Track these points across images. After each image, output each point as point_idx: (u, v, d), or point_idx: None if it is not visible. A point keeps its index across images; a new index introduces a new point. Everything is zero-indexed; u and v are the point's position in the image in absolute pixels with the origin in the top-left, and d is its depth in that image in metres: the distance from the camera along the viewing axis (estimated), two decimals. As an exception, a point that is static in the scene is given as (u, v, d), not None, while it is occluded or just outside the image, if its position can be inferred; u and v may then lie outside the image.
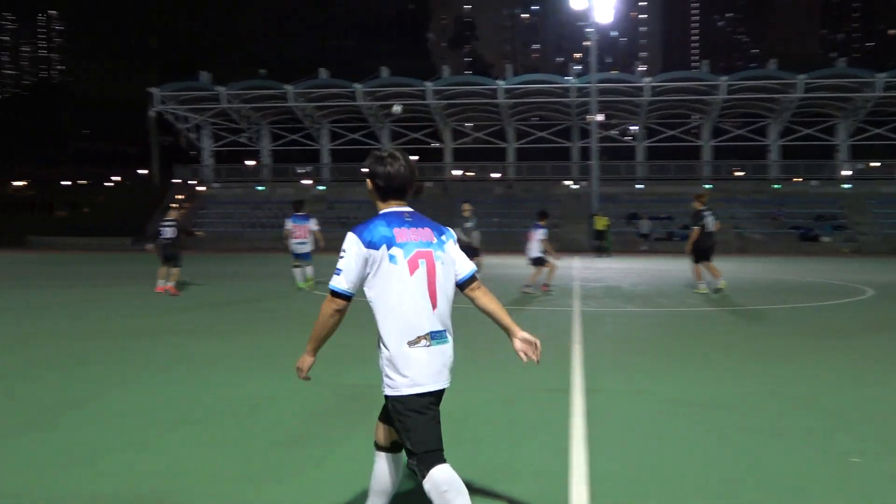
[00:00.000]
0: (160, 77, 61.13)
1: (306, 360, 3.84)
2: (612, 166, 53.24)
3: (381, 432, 3.90)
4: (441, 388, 3.68)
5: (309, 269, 19.24)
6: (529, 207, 50.34)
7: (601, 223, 40.13)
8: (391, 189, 3.85)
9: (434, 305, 3.66)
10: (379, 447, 3.91)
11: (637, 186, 51.65)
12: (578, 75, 54.54)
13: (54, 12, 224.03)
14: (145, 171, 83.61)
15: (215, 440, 5.84)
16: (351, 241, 3.68)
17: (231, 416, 6.54)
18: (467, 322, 12.92)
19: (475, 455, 5.53)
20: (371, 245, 3.64)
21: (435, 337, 3.64)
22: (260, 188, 55.56)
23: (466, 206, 19.37)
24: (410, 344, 3.60)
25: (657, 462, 5.37)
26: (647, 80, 50.91)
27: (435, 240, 3.79)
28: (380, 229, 3.69)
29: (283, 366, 8.54)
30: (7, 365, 8.89)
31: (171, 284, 17.84)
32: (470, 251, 18.55)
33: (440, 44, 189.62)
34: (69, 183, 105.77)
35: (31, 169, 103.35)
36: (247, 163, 61.63)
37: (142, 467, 5.23)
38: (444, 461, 3.59)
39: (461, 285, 3.86)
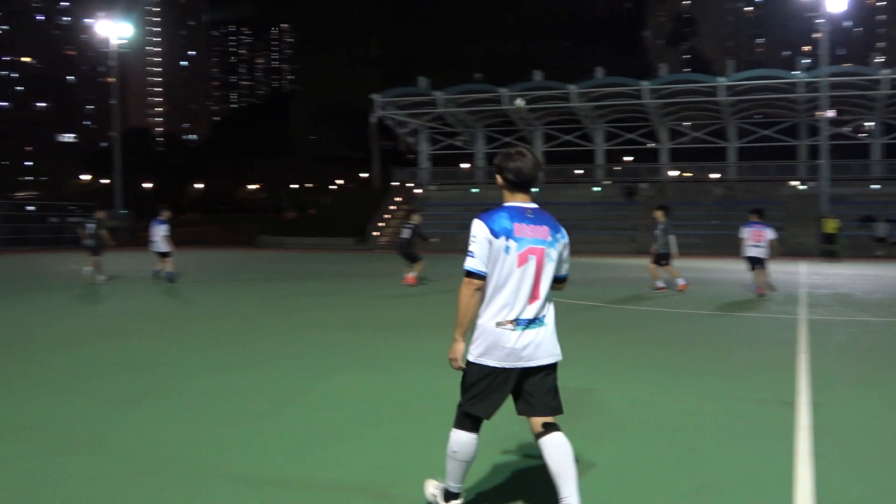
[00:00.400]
0: (381, 84, 63.68)
1: (458, 348, 4.22)
2: (844, 165, 49.83)
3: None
4: (514, 366, 4.13)
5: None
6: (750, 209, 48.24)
7: (831, 226, 37.72)
8: (519, 183, 4.33)
9: (534, 297, 4.14)
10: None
11: (872, 187, 48.10)
12: (807, 69, 51.49)
13: (286, 25, 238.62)
14: (366, 175, 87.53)
15: (432, 435, 5.97)
16: (479, 227, 4.21)
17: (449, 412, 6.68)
18: (682, 327, 12.54)
19: (688, 465, 5.33)
20: (493, 233, 4.15)
21: (521, 324, 4.11)
22: (474, 190, 56.58)
23: (658, 213, 18.98)
24: (499, 324, 4.10)
25: None
26: (886, 72, 47.24)
27: (549, 238, 4.24)
28: (503, 222, 4.19)
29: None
30: (260, 352, 9.56)
31: (412, 275, 20.32)
32: (659, 257, 18.69)
33: (657, 41, 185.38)
34: (297, 186, 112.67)
35: (264, 173, 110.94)
36: (462, 165, 62.96)
37: (356, 458, 5.44)
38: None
39: (556, 280, 4.31)
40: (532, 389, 4.20)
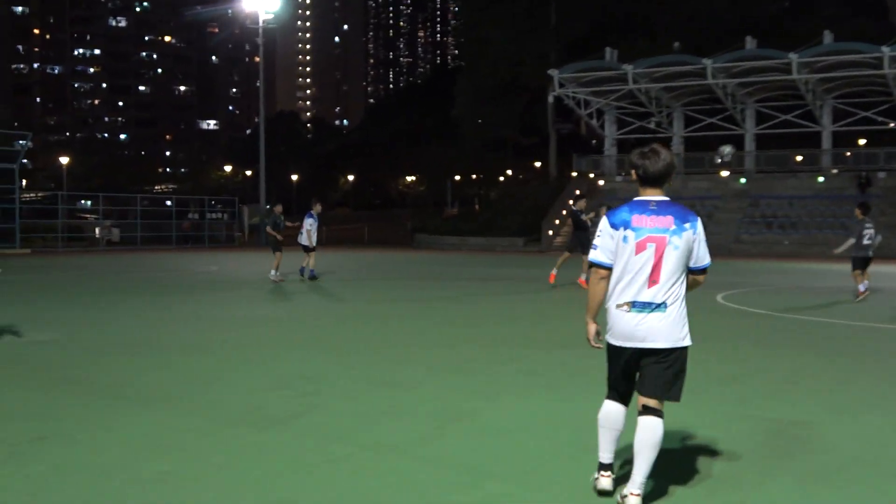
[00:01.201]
0: (560, 57, 63.46)
1: (588, 329, 5.39)
2: None
3: None
4: (631, 346, 5.13)
5: None
6: None
7: None
8: (647, 179, 5.27)
9: (653, 282, 5.09)
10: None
11: None
12: None
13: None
14: (541, 164, 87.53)
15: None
16: (604, 222, 5.30)
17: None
18: (805, 336, 11.88)
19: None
20: (614, 226, 5.23)
21: (636, 306, 5.10)
22: (668, 182, 55.60)
23: (858, 211, 19.77)
24: (618, 307, 5.17)
25: None
26: None
27: (673, 227, 5.13)
28: (622, 214, 5.24)
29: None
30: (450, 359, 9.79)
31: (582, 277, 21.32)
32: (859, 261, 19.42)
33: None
34: (460, 177, 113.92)
35: (424, 163, 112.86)
36: (655, 152, 61.93)
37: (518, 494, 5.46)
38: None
39: (691, 271, 5.24)
40: (645, 370, 5.16)
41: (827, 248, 44.11)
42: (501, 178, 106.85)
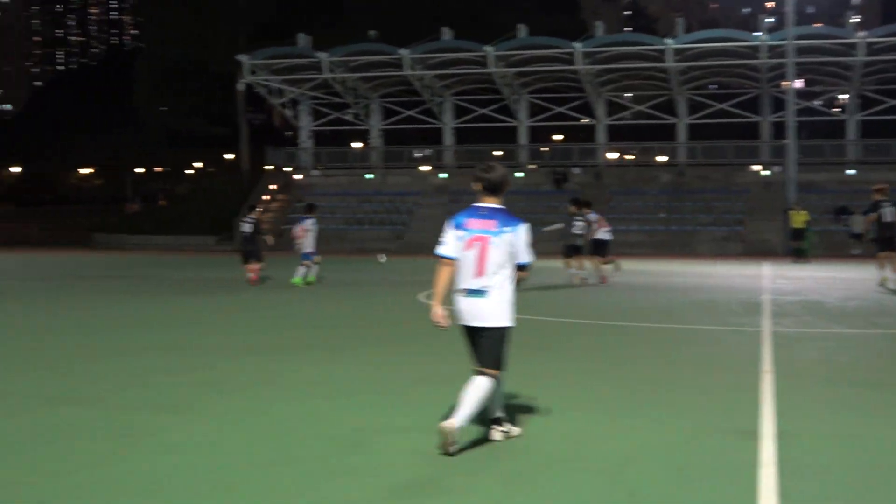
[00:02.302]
0: (250, 42, 62.76)
1: (433, 311, 6.92)
2: (815, 147, 51.62)
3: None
4: (462, 324, 6.93)
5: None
6: (704, 200, 49.43)
7: (799, 219, 38.98)
8: (487, 189, 7.08)
9: (479, 273, 6.81)
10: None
11: (848, 172, 49.91)
12: (770, 30, 53.13)
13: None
14: (232, 156, 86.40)
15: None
16: (449, 223, 7.06)
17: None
18: (621, 343, 12.80)
19: (634, 512, 5.43)
20: (454, 226, 7.00)
21: (468, 293, 6.83)
22: (368, 176, 56.53)
23: (573, 207, 24.78)
24: (457, 292, 6.88)
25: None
26: (863, 34, 49.09)
27: (495, 229, 6.86)
28: (461, 218, 7.03)
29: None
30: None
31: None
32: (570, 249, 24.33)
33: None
34: (143, 170, 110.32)
35: (100, 154, 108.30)
36: (353, 145, 62.82)
37: None
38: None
39: (518, 267, 6.97)
40: (476, 344, 6.91)
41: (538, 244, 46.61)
42: (189, 172, 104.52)
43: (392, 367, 10.63)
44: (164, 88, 70.30)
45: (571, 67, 51.67)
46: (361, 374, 10.08)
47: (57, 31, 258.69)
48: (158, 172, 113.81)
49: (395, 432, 7.34)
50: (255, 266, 23.97)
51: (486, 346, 6.79)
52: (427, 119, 58.54)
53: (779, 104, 52.31)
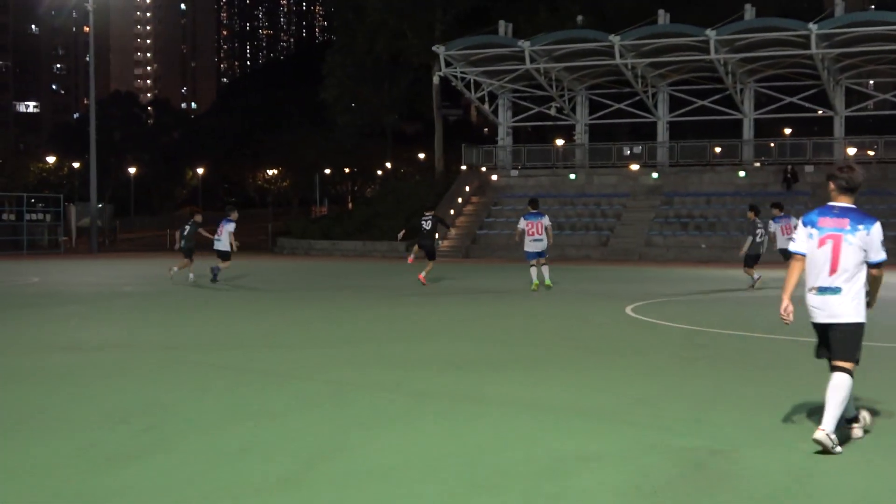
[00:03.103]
0: (447, 31, 63.62)
1: (782, 306, 7.70)
2: None
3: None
4: (821, 321, 7.65)
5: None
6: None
7: None
8: (843, 189, 7.79)
9: (832, 271, 7.54)
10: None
11: None
12: None
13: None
14: (424, 155, 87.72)
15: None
16: (799, 222, 7.92)
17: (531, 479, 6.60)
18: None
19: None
20: (805, 224, 7.80)
21: (820, 290, 7.59)
22: (572, 176, 56.42)
23: (751, 213, 26.42)
24: (809, 290, 7.67)
25: None
26: None
27: (848, 227, 7.57)
28: (813, 216, 7.78)
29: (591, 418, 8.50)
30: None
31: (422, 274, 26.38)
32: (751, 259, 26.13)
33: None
34: (330, 171, 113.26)
35: (287, 154, 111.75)
36: (556, 142, 62.82)
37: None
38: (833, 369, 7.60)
39: (869, 265, 7.64)
40: (830, 340, 7.64)
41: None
42: (379, 172, 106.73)
43: (604, 386, 10.51)
44: (355, 83, 71.98)
45: (806, 52, 50.14)
46: (566, 395, 10.01)
47: (244, 24, 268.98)
48: (347, 173, 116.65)
49: (596, 459, 7.22)
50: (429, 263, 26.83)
51: (840, 341, 7.58)
52: (638, 112, 58.00)
53: None
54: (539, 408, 9.18)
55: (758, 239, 25.80)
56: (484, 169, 59.27)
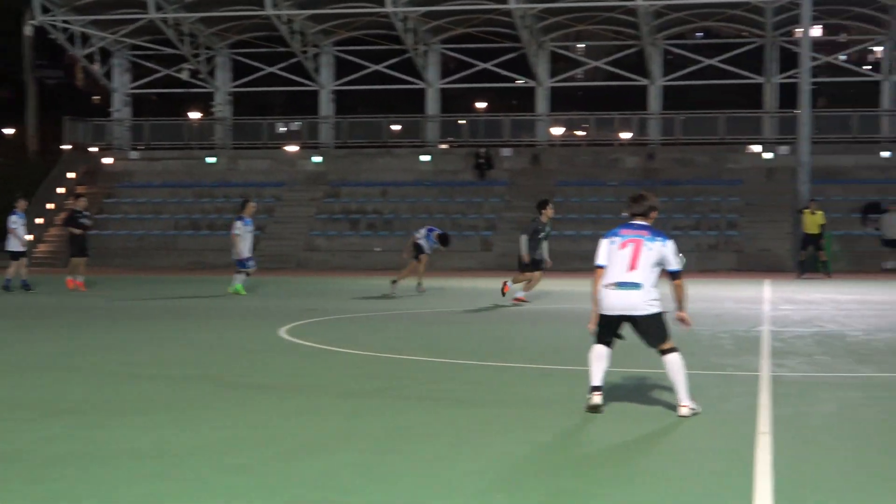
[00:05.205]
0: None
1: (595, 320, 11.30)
2: (837, 119, 52.49)
3: None
4: (618, 314, 11.01)
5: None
6: (684, 194, 49.74)
7: (814, 221, 39.50)
8: (636, 215, 11.20)
9: (632, 267, 10.84)
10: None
11: (883, 155, 50.78)
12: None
13: None
14: (13, 131, 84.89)
15: None
16: (602, 240, 11.33)
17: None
18: (555, 397, 12.66)
19: None
20: (608, 236, 11.22)
21: (621, 286, 10.86)
22: (211, 160, 55.93)
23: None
24: (606, 286, 10.97)
25: None
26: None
27: (649, 236, 10.93)
28: (615, 230, 11.24)
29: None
30: None
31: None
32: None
33: None
34: None
35: None
36: (189, 116, 62.19)
37: None
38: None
39: (671, 276, 11.08)
40: (638, 332, 11.10)
41: (434, 259, 46.56)
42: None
43: (247, 435, 10.32)
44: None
45: (502, 6, 51.63)
46: (192, 442, 9.75)
47: None
48: None
49: None
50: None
51: (650, 331, 10.93)
52: (297, 79, 58.16)
53: (789, 60, 53.02)
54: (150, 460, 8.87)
55: (540, 236, 26.24)
56: (95, 149, 57.80)
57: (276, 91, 62.10)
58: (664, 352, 10.88)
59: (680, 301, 11.19)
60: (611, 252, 11.06)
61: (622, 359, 12.52)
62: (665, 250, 10.97)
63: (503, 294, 26.82)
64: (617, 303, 10.91)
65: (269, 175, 54.94)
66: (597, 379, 10.97)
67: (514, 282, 26.71)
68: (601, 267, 11.12)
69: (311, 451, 9.43)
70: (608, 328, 11.10)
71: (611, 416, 11.10)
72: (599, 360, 11.00)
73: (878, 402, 12.20)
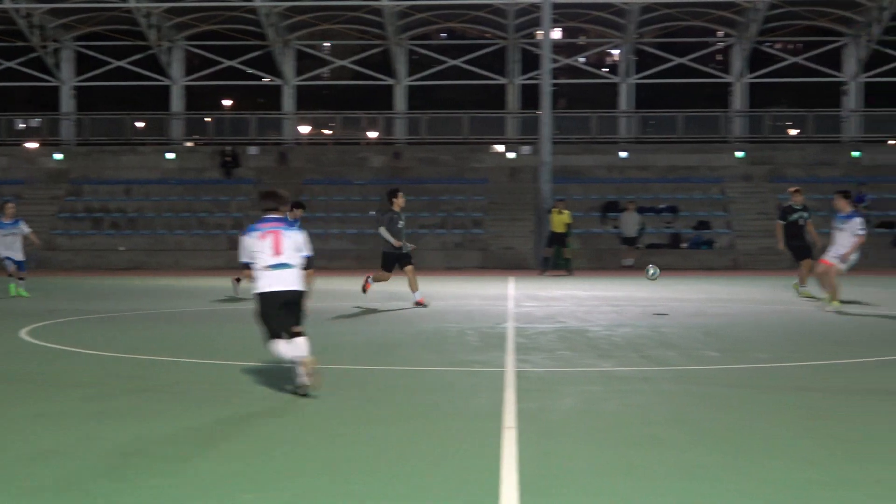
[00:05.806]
0: None
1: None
2: (577, 120, 53.62)
3: None
4: (281, 289, 12.26)
5: None
6: (430, 192, 50.19)
7: (561, 221, 40.27)
8: (267, 209, 12.67)
9: (276, 252, 12.19)
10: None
11: (621, 155, 52.08)
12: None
13: None
14: None
15: None
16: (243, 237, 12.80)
17: None
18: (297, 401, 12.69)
19: None
20: (251, 231, 12.47)
21: (275, 266, 12.22)
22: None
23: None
24: (262, 269, 12.31)
25: None
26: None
27: (284, 227, 12.48)
28: (254, 225, 12.55)
29: None
30: None
31: None
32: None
33: None
34: None
35: None
36: None
37: None
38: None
39: (305, 262, 12.53)
40: (287, 310, 12.25)
41: (182, 258, 46.04)
42: None
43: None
44: None
45: (247, 3, 51.35)
46: None
47: None
48: None
49: None
50: None
51: (296, 310, 12.29)
52: (37, 75, 56.82)
53: (530, 62, 53.91)
54: None
55: (399, 225, 25.53)
56: None
57: (17, 87, 60.36)
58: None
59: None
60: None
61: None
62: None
63: (364, 291, 26.15)
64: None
65: (7, 173, 53.55)
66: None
67: (376, 280, 26.05)
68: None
69: (50, 455, 9.26)
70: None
71: (345, 414, 11.17)
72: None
73: (617, 395, 12.55)
